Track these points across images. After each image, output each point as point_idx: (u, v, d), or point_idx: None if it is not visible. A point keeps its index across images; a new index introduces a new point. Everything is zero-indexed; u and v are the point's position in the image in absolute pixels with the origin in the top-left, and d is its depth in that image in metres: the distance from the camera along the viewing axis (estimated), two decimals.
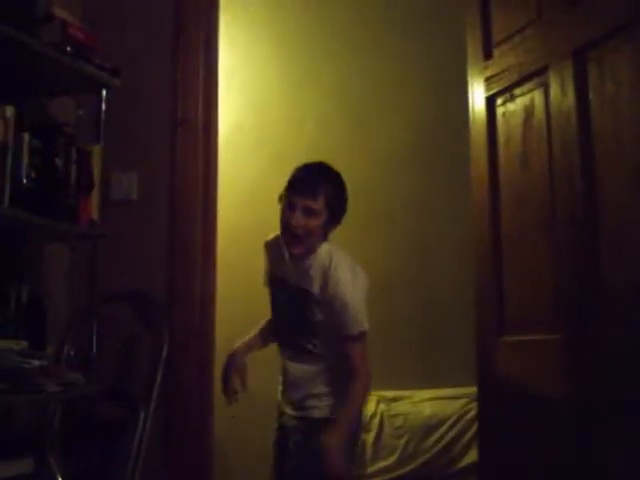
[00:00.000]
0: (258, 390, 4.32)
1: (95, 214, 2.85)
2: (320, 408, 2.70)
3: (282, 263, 2.76)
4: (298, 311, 2.71)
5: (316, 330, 2.68)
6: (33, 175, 2.63)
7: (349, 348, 2.60)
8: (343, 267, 2.65)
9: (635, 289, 1.95)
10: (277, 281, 2.80)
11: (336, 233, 2.77)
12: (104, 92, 2.96)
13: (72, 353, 3.16)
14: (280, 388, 2.84)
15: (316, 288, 2.64)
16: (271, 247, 2.84)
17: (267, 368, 3.05)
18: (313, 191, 2.62)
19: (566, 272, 2.16)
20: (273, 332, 2.87)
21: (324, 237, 2.71)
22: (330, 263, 2.64)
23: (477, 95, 2.62)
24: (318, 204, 2.62)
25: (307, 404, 2.73)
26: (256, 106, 4.68)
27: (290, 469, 2.73)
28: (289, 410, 2.78)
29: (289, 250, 2.70)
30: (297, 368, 2.76)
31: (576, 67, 2.14)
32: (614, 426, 1.98)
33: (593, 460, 2.04)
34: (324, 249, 2.70)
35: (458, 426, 3.77)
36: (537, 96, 2.32)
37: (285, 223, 2.65)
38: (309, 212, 2.62)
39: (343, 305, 2.59)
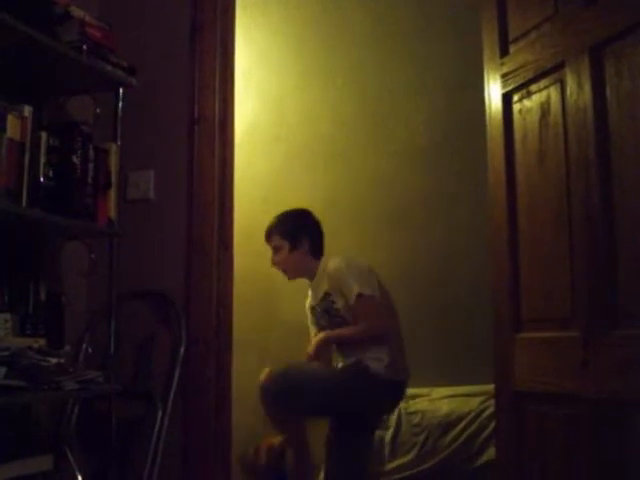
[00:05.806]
0: None
1: (112, 213, 2.86)
2: None
3: (308, 296, 3.67)
4: (328, 315, 3.47)
5: (341, 323, 3.43)
6: (50, 174, 2.63)
7: (354, 311, 3.37)
8: (334, 261, 3.47)
9: None
10: (310, 309, 3.65)
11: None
12: (121, 91, 2.97)
13: (90, 351, 3.18)
14: None
15: (327, 287, 3.45)
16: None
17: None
18: (268, 235, 3.64)
19: (582, 268, 2.15)
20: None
21: (313, 257, 3.60)
22: (327, 266, 3.48)
23: (493, 92, 2.61)
24: (274, 241, 3.60)
25: None
26: (272, 105, 4.69)
27: None
28: None
29: (288, 279, 3.69)
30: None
31: (592, 63, 2.13)
32: (629, 424, 1.98)
33: (609, 458, 2.03)
34: (322, 263, 3.55)
35: (476, 423, 3.77)
36: (553, 92, 2.31)
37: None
38: (275, 250, 3.61)
39: (340, 283, 3.39)
